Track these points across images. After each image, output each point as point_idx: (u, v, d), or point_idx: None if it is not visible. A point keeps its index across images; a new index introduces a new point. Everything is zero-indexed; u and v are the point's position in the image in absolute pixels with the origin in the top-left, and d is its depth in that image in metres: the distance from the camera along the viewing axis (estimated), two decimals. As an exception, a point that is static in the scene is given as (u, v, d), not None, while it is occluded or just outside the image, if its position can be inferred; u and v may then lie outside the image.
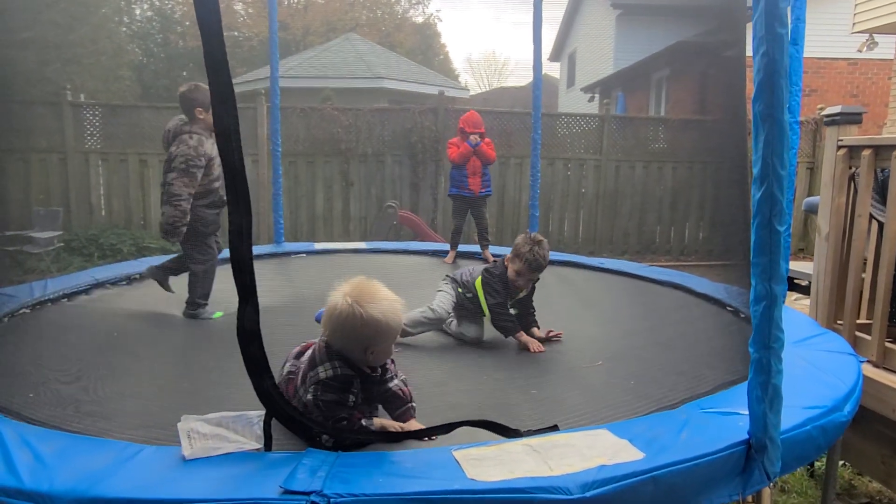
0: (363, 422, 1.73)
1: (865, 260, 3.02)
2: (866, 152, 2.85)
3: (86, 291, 3.44)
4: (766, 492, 1.58)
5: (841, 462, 3.17)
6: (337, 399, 1.68)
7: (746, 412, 1.57)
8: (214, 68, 1.40)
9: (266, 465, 1.38)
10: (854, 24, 8.61)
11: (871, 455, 2.81)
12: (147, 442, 1.54)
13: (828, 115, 3.12)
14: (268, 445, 1.49)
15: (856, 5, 8.47)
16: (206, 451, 1.39)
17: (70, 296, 3.34)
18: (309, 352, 1.82)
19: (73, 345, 2.67)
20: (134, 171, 8.33)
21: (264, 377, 1.48)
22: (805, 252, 8.59)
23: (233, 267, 1.44)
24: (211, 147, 3.30)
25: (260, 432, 1.47)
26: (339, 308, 1.68)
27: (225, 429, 1.45)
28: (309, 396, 1.68)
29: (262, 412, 1.50)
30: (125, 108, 8.81)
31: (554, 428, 1.70)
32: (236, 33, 19.28)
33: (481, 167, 4.90)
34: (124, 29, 17.26)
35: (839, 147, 3.04)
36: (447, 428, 1.65)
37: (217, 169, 3.34)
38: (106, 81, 11.80)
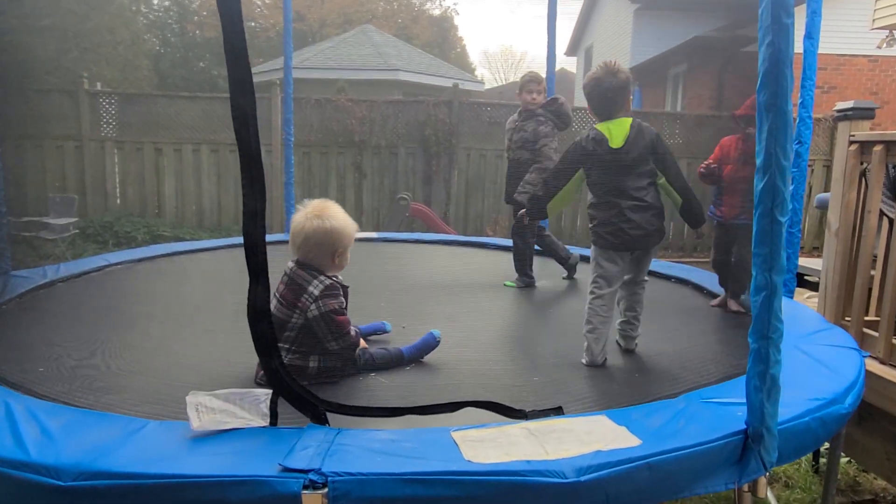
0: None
1: (875, 256, 3.00)
2: (877, 148, 2.82)
3: (98, 270, 3.51)
4: (762, 480, 1.58)
5: (846, 459, 3.16)
6: (338, 304, 2.06)
7: (745, 402, 1.57)
8: (234, 57, 1.45)
9: (267, 441, 1.41)
10: (874, 20, 8.46)
11: (876, 452, 2.79)
12: (153, 417, 1.58)
13: (839, 110, 3.09)
14: (273, 423, 1.53)
15: (875, 1, 8.33)
16: (215, 423, 1.43)
17: (82, 275, 3.42)
18: (282, 287, 2.09)
19: (84, 321, 2.73)
20: (149, 160, 8.44)
21: (272, 355, 1.52)
22: (819, 251, 8.49)
23: (245, 248, 1.49)
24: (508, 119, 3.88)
25: (266, 411, 1.51)
26: (307, 226, 2.07)
27: (233, 405, 1.48)
28: (314, 312, 2.02)
29: (269, 391, 1.53)
30: (141, 96, 8.92)
31: (558, 409, 1.71)
32: (253, 24, 19.38)
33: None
34: (142, 18, 17.41)
35: (850, 142, 3.01)
36: (452, 407, 1.68)
37: (506, 142, 3.80)
38: (123, 70, 11.93)
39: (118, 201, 8.45)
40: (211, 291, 3.36)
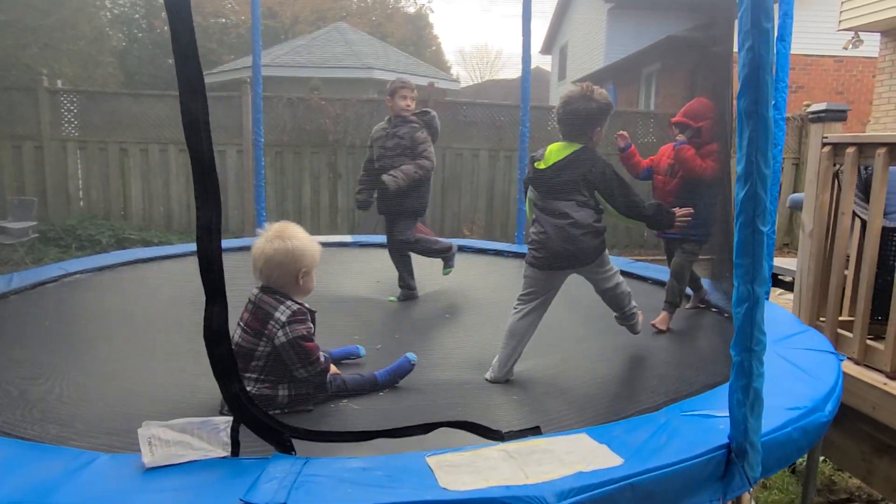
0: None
1: (848, 257, 3.02)
2: (850, 150, 2.83)
3: (54, 280, 3.33)
4: (746, 497, 1.54)
5: (822, 458, 3.17)
6: (306, 330, 1.97)
7: (727, 414, 1.53)
8: (182, 56, 1.34)
9: (227, 474, 1.32)
10: (840, 21, 8.63)
11: (852, 452, 2.81)
12: (106, 449, 1.47)
13: (813, 112, 3.10)
14: (234, 453, 1.43)
15: (842, 3, 8.49)
16: (168, 458, 1.33)
17: (37, 286, 3.24)
18: (246, 315, 2.02)
19: (32, 341, 2.56)
20: (114, 160, 8.18)
21: (232, 381, 1.42)
22: (789, 247, 8.64)
23: (200, 266, 1.38)
24: (375, 127, 3.67)
25: (227, 440, 1.41)
26: (266, 249, 2.00)
27: (189, 435, 1.38)
28: (282, 339, 1.93)
29: (230, 418, 1.43)
30: (105, 95, 8.63)
31: (536, 430, 1.65)
32: (224, 20, 18.99)
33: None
34: (106, 13, 16.92)
35: (823, 144, 3.02)
36: (425, 428, 1.60)
37: (377, 150, 3.60)
38: (86, 67, 11.56)
39: (81, 203, 8.18)
40: (175, 307, 3.15)
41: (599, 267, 2.46)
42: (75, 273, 3.52)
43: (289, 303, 1.99)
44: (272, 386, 1.96)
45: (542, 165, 2.42)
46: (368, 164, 3.67)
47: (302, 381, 1.98)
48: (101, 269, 3.67)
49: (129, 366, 2.33)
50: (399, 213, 3.53)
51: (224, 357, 1.40)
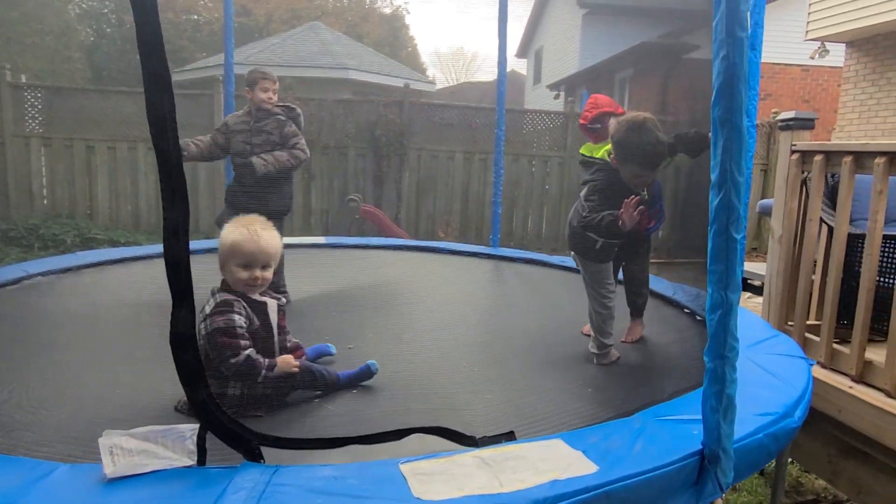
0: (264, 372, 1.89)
1: (816, 263, 3.08)
2: (818, 157, 2.89)
3: (14, 283, 3.21)
4: (718, 503, 1.56)
5: (789, 460, 3.23)
6: (225, 322, 1.87)
7: (700, 417, 1.54)
8: (148, 51, 1.29)
9: (194, 484, 1.27)
10: (807, 31, 8.86)
11: (818, 454, 2.86)
12: (65, 459, 1.41)
13: (782, 121, 3.16)
14: (201, 461, 1.39)
15: (809, 14, 8.72)
16: (131, 468, 1.28)
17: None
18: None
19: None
20: (80, 158, 7.95)
21: (199, 387, 1.38)
22: (757, 251, 8.82)
23: (167, 267, 1.33)
24: (234, 119, 3.48)
25: (193, 447, 1.36)
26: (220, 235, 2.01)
27: (153, 444, 1.33)
28: (202, 332, 1.85)
29: (196, 426, 1.39)
30: (71, 90, 8.39)
31: (510, 434, 1.64)
32: (196, 17, 18.66)
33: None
34: (74, 7, 16.48)
35: (792, 152, 3.08)
36: (398, 434, 1.58)
37: (238, 145, 3.41)
38: (52, 62, 11.23)
39: (45, 202, 7.93)
40: (141, 309, 3.06)
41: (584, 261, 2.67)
42: (37, 275, 3.40)
43: (220, 294, 1.94)
44: (220, 383, 1.86)
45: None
46: (217, 148, 3.43)
47: (256, 381, 1.88)
48: (65, 270, 3.55)
49: (91, 371, 2.25)
50: (258, 209, 3.40)
51: (190, 362, 1.35)
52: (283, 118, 3.42)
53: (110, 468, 1.26)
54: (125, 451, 1.27)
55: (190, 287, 1.36)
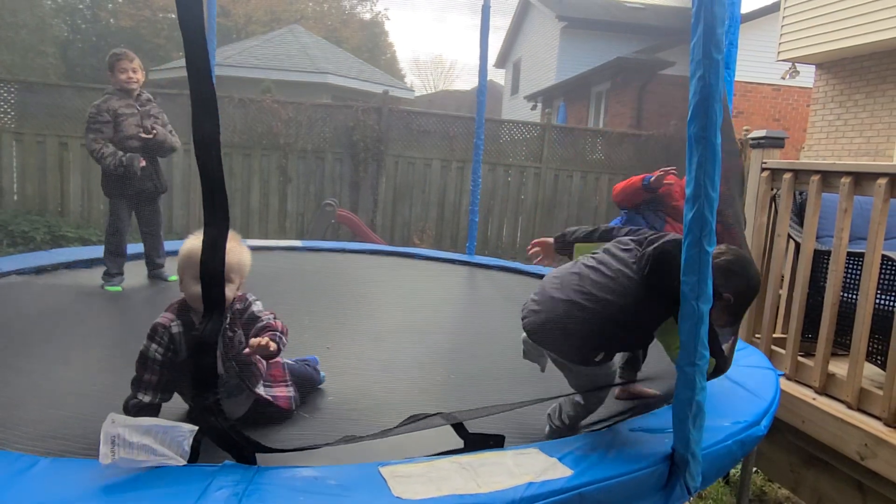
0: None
1: (783, 278, 3.18)
2: (787, 175, 3.00)
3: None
4: (686, 506, 1.61)
5: (753, 469, 3.32)
6: (144, 348, 1.74)
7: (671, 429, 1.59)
8: (196, 75, 1.34)
9: (178, 480, 1.27)
10: (779, 52, 9.15)
11: (782, 463, 2.95)
12: (45, 454, 1.39)
13: (753, 139, 3.26)
14: (191, 461, 1.39)
15: (781, 35, 9.01)
16: (129, 460, 1.28)
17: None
18: None
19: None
20: (52, 154, 7.80)
21: (209, 393, 1.41)
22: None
23: (202, 280, 1.40)
24: (117, 104, 3.42)
25: (188, 449, 1.36)
26: None
27: (153, 438, 1.33)
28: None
29: (195, 427, 1.39)
30: (44, 86, 8.23)
31: (500, 438, 1.66)
32: (174, 15, 18.42)
33: None
34: (49, 2, 16.15)
35: (763, 169, 3.19)
36: (418, 422, 1.63)
37: (131, 128, 3.40)
38: (25, 57, 10.99)
39: (15, 198, 7.74)
40: (112, 308, 3.03)
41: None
42: (8, 273, 3.33)
43: (164, 314, 1.79)
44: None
45: None
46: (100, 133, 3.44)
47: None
48: (34, 269, 3.47)
49: (71, 365, 2.24)
50: (144, 191, 3.48)
51: (207, 369, 1.41)
52: (151, 98, 3.54)
53: (107, 458, 1.26)
54: (126, 444, 1.28)
55: (222, 298, 1.44)
